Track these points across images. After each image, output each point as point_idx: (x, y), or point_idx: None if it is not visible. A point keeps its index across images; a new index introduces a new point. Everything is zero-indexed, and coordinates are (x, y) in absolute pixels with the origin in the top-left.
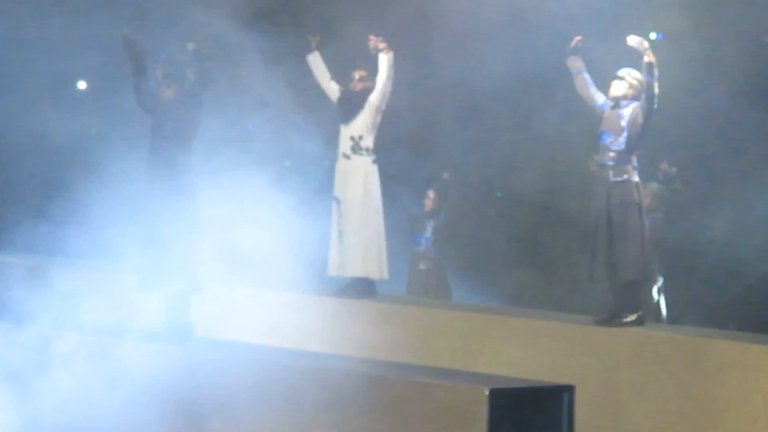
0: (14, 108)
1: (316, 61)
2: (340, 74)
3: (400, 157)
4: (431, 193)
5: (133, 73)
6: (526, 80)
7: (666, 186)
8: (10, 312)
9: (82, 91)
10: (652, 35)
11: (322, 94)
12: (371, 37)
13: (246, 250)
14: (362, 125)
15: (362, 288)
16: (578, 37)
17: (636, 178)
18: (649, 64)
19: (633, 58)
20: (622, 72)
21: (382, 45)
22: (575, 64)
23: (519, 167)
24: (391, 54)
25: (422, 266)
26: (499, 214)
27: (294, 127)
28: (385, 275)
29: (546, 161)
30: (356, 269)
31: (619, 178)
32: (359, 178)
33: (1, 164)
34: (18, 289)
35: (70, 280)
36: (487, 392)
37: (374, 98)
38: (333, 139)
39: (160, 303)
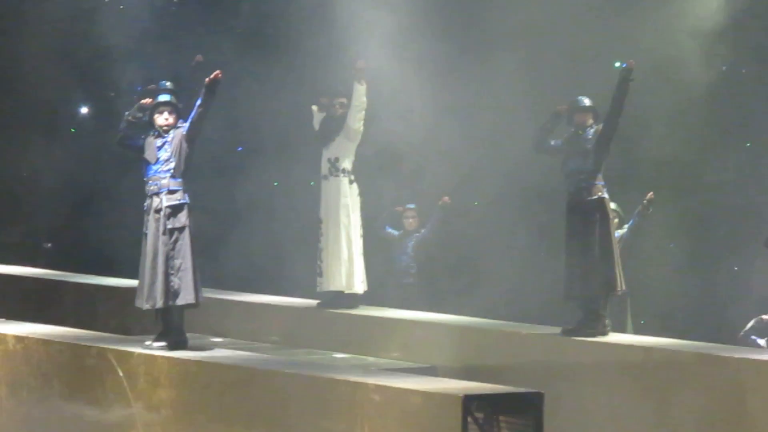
0: None
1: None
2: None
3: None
4: (411, 212)
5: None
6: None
7: (644, 211)
8: None
9: None
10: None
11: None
12: (359, 63)
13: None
14: (338, 148)
15: (344, 301)
16: (564, 107)
17: (606, 194)
18: (624, 81)
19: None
20: (587, 101)
21: (359, 69)
22: (549, 131)
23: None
24: (365, 85)
25: (404, 281)
26: (474, 228)
27: (281, 150)
28: (363, 289)
29: (517, 181)
30: (337, 284)
31: (592, 196)
32: (337, 198)
33: None
34: None
35: None
36: (461, 398)
37: (350, 122)
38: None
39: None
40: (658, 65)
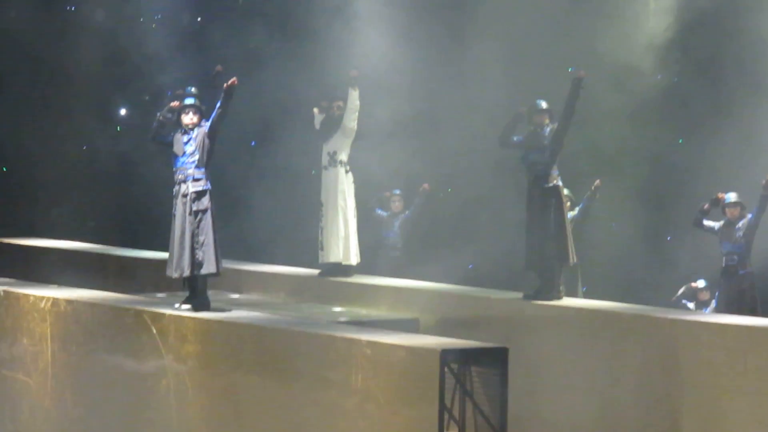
0: None
1: (318, 115)
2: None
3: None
4: (397, 197)
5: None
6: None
7: (592, 195)
8: None
9: None
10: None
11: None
12: (353, 72)
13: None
14: (336, 143)
15: (341, 271)
16: (524, 109)
17: (560, 182)
18: (576, 87)
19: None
20: (544, 104)
21: (353, 77)
22: (512, 129)
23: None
24: (357, 90)
25: (392, 254)
26: (451, 210)
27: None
28: (357, 261)
29: (487, 169)
30: (335, 256)
31: (548, 184)
32: (335, 185)
33: None
34: None
35: None
36: (439, 351)
37: (346, 122)
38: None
39: (185, 282)
40: (613, 71)
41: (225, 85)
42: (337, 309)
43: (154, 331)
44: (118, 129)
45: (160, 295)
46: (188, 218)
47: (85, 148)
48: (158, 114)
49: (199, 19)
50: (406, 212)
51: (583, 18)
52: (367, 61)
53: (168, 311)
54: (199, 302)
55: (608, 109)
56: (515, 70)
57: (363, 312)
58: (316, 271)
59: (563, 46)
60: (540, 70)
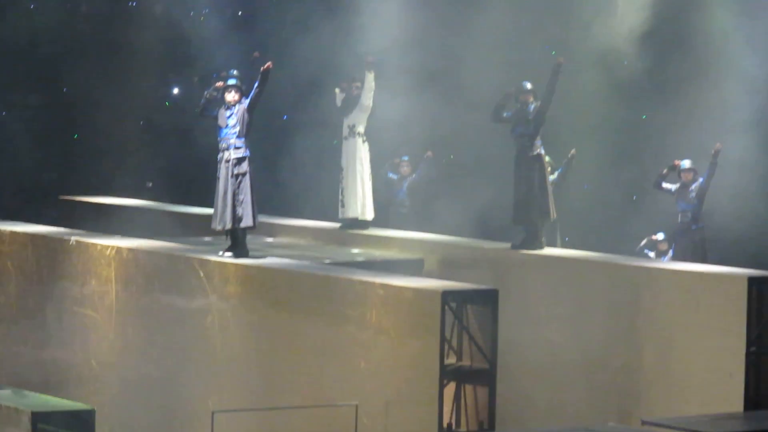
0: None
1: (339, 94)
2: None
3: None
4: (405, 163)
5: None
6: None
7: (568, 162)
8: None
9: None
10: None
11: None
12: (369, 58)
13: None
14: (355, 117)
15: (358, 224)
16: (512, 89)
17: (542, 151)
18: (556, 71)
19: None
20: (528, 85)
21: (369, 62)
22: (502, 107)
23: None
24: (373, 73)
25: (401, 210)
26: (450, 173)
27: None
28: (371, 216)
29: (481, 139)
30: (354, 212)
31: (533, 152)
32: (354, 153)
33: None
34: None
35: None
36: (440, 292)
37: (363, 100)
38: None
39: (227, 234)
40: (589, 57)
41: (261, 68)
42: (356, 251)
43: (202, 274)
44: (167, 104)
45: (207, 239)
46: (230, 180)
47: (141, 123)
48: (206, 92)
49: (240, 13)
50: (413, 175)
51: (568, 7)
52: (381, 42)
53: (213, 258)
54: (239, 250)
55: (584, 90)
56: (506, 54)
57: (377, 253)
58: (337, 225)
59: (549, 32)
60: (528, 53)
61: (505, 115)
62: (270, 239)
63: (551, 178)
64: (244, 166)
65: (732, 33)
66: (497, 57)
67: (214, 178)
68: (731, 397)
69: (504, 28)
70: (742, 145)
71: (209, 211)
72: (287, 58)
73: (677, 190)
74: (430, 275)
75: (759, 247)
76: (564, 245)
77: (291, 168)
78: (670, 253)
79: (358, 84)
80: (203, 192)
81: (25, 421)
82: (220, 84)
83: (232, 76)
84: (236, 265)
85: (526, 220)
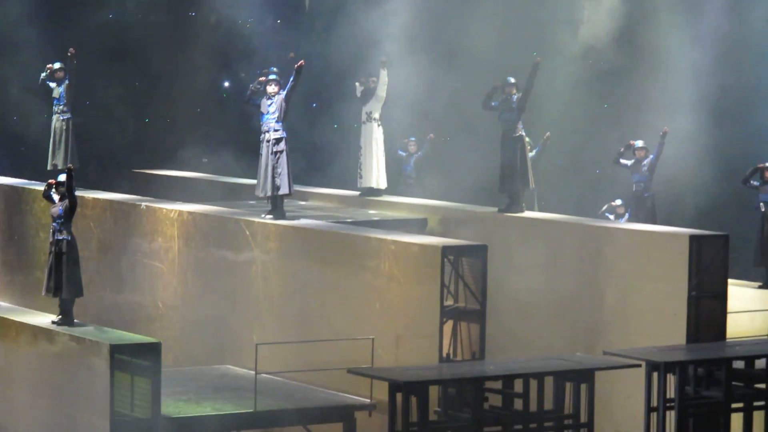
0: None
1: (358, 87)
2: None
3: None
4: (412, 143)
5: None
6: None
7: (544, 142)
8: None
9: None
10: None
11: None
12: (382, 58)
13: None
14: (371, 106)
15: (374, 192)
16: (499, 83)
17: (523, 133)
18: (534, 69)
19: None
20: (512, 80)
21: (383, 61)
22: (490, 97)
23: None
24: (386, 70)
25: (408, 181)
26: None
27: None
28: (385, 186)
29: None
30: (370, 182)
31: (515, 134)
32: (371, 135)
33: None
34: None
35: None
36: (440, 247)
37: (378, 91)
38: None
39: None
40: (564, 56)
41: (296, 65)
42: (372, 212)
43: (248, 233)
44: (224, 96)
45: (251, 203)
46: (270, 156)
47: (199, 110)
48: (251, 85)
49: (278, 21)
50: (419, 152)
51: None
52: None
53: (257, 219)
54: (277, 213)
55: (559, 83)
56: (497, 55)
57: (389, 215)
58: (357, 192)
59: (529, 35)
60: (515, 54)
61: (493, 104)
62: (303, 203)
63: (530, 155)
64: (282, 145)
65: (679, 29)
66: (489, 57)
67: (257, 155)
68: (675, 332)
69: (497, 30)
70: (685, 125)
71: (253, 181)
72: (316, 57)
73: (632, 165)
74: (432, 233)
75: (698, 210)
76: (541, 209)
77: (319, 146)
78: (627, 215)
79: (374, 78)
80: (248, 166)
81: (105, 352)
82: (262, 78)
83: (273, 72)
84: (276, 225)
85: (509, 189)
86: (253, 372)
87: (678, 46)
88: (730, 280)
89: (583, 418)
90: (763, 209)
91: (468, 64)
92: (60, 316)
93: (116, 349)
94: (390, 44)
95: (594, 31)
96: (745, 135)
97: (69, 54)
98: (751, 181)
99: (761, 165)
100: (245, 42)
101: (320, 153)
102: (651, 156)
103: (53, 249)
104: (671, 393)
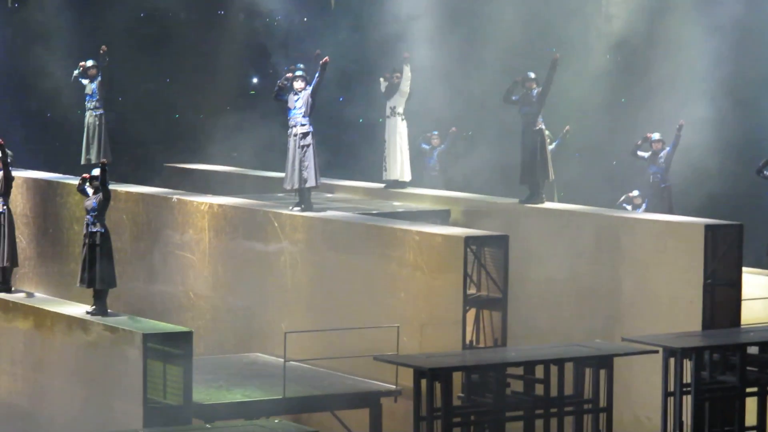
0: None
1: (383, 82)
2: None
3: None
4: (435, 136)
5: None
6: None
7: (563, 136)
8: None
9: None
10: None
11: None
12: (405, 54)
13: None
14: (395, 101)
15: (398, 184)
16: (520, 78)
17: (543, 126)
18: (554, 64)
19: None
20: (532, 75)
21: (406, 57)
22: (511, 91)
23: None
24: (409, 66)
25: (432, 173)
26: (471, 145)
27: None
28: (409, 178)
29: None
30: (395, 174)
31: (536, 127)
32: (395, 128)
33: None
34: None
35: None
36: (463, 237)
37: (402, 87)
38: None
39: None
40: (576, 52)
41: (321, 62)
42: (397, 203)
43: (276, 224)
44: (252, 92)
45: (279, 195)
46: (297, 150)
47: (228, 108)
48: (279, 81)
49: (305, 19)
50: (442, 146)
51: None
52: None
53: (285, 211)
54: (305, 205)
55: (581, 77)
56: (511, 54)
57: (413, 206)
58: (382, 184)
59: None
60: (533, 50)
61: (514, 98)
62: (329, 195)
63: (550, 147)
64: (308, 139)
65: (696, 18)
66: (505, 57)
67: (285, 149)
68: (691, 319)
69: (510, 33)
70: (701, 114)
71: (281, 174)
72: (341, 54)
73: (649, 157)
74: (455, 224)
75: (713, 200)
76: (560, 200)
77: (346, 140)
78: (644, 206)
79: (398, 74)
80: (276, 160)
81: (138, 341)
82: (289, 74)
83: (299, 69)
84: (303, 216)
85: (530, 181)
86: (281, 359)
87: (696, 35)
88: (744, 268)
89: (603, 403)
90: None
91: (490, 59)
92: (94, 307)
93: (149, 338)
94: (413, 41)
95: (614, 24)
96: (761, 124)
97: (101, 51)
98: (765, 172)
99: None
100: (272, 39)
101: (347, 146)
102: (668, 148)
103: (87, 241)
104: (687, 378)
